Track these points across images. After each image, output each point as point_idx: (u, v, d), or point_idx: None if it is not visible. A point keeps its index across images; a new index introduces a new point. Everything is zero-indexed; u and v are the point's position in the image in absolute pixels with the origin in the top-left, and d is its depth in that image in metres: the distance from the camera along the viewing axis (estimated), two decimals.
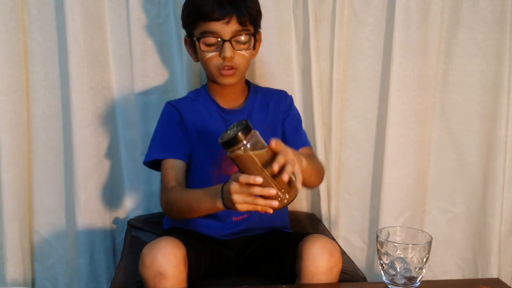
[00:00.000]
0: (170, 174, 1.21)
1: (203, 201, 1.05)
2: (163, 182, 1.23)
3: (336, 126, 1.59)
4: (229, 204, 0.97)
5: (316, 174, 1.20)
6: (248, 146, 0.90)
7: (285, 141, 1.23)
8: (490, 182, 1.59)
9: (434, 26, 1.53)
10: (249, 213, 1.24)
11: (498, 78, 1.54)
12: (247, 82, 1.34)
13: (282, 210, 1.30)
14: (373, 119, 1.61)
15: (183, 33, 1.31)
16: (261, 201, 0.92)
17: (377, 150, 1.61)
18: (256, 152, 0.90)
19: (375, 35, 1.55)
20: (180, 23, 1.29)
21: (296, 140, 1.29)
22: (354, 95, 1.60)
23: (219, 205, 1.00)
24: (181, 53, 1.50)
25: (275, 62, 1.53)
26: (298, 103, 1.58)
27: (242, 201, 0.94)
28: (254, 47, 1.25)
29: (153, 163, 1.27)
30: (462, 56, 1.57)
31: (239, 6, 1.16)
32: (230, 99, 1.30)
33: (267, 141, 0.94)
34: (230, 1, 1.15)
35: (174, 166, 1.22)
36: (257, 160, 0.90)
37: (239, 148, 0.90)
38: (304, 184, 1.15)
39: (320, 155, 1.58)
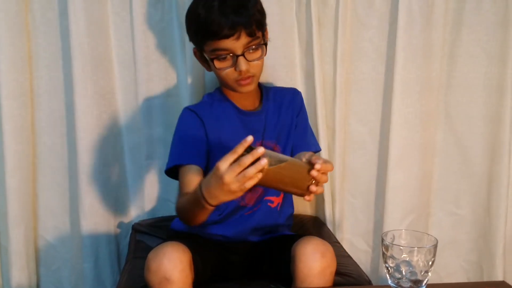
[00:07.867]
0: (184, 180, 1.19)
1: (194, 204, 1.02)
2: (179, 189, 1.22)
3: (340, 129, 1.58)
4: (213, 198, 0.96)
5: None
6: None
7: (293, 143, 1.29)
8: (494, 184, 1.59)
9: (438, 28, 1.53)
10: (257, 207, 1.25)
11: (502, 80, 1.54)
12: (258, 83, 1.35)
13: (283, 211, 1.32)
14: (377, 121, 1.61)
15: (186, 37, 1.31)
16: (250, 169, 0.88)
17: (381, 153, 1.61)
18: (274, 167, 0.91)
19: (378, 38, 1.55)
20: (183, 27, 1.29)
21: (304, 142, 1.31)
22: (357, 98, 1.59)
23: (206, 205, 0.98)
24: (185, 57, 1.50)
25: (278, 66, 1.53)
26: None
27: (234, 180, 0.90)
28: (265, 52, 1.25)
29: (175, 172, 1.24)
30: (466, 58, 1.56)
31: (244, 15, 1.15)
32: (248, 101, 1.31)
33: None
34: (234, 10, 1.14)
35: (190, 172, 1.20)
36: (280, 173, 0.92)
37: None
38: None
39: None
